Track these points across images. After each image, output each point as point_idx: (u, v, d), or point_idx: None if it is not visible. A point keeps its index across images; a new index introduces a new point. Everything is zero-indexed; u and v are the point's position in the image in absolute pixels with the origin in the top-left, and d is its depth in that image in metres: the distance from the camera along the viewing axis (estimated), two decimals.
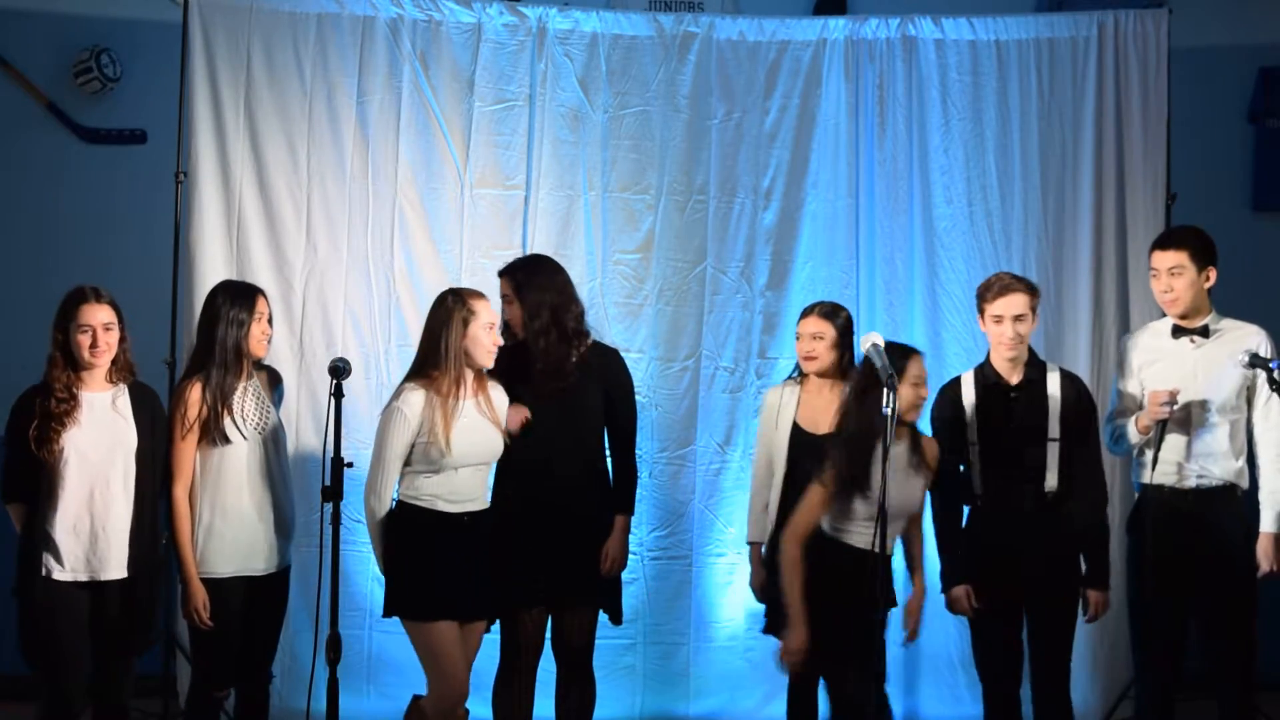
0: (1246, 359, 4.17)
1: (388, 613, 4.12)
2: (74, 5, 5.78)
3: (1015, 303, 4.25)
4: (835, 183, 5.42)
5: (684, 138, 5.39)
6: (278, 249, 5.19)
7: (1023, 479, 4.24)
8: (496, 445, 4.13)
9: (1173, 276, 4.30)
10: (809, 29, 5.47)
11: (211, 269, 5.10)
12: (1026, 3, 6.01)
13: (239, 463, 4.17)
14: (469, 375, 4.09)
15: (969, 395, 4.34)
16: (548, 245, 5.22)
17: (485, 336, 4.07)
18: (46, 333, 5.65)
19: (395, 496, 4.08)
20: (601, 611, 4.36)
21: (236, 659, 4.21)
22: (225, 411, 4.15)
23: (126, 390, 4.16)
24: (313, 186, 5.22)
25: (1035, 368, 4.35)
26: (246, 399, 4.23)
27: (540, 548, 4.19)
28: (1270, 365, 4.14)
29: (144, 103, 5.77)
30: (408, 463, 4.04)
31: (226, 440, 4.16)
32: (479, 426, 4.07)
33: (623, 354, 4.97)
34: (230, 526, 4.16)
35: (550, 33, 5.35)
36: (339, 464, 3.84)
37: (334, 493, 3.81)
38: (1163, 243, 4.41)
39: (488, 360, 4.09)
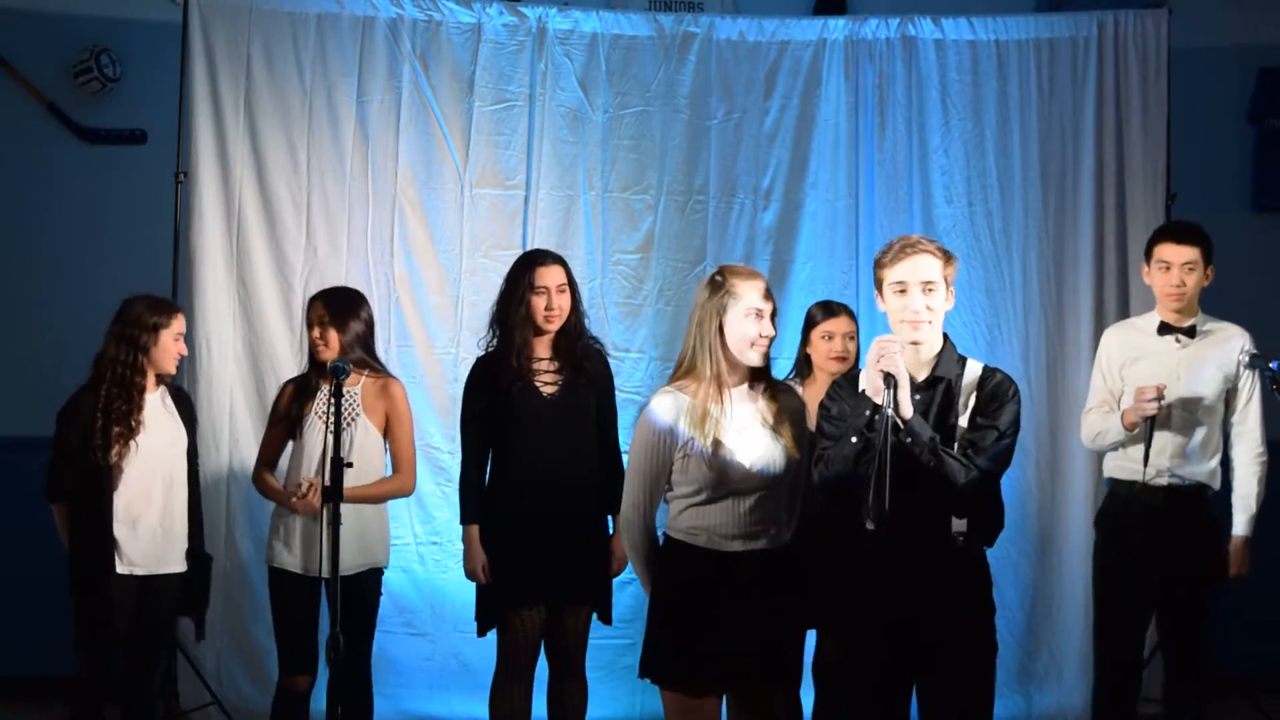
0: (1248, 359, 4.16)
1: (642, 673, 3.46)
2: (74, 5, 5.77)
3: (922, 266, 3.35)
4: (835, 183, 5.42)
5: (684, 138, 5.39)
6: (278, 249, 5.19)
7: (925, 514, 3.31)
8: (778, 462, 3.40)
9: (1187, 272, 4.23)
10: (809, 29, 5.47)
11: (211, 269, 5.11)
12: (1026, 3, 6.01)
13: (307, 460, 4.28)
14: (738, 374, 3.43)
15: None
16: (547, 245, 5.18)
17: (750, 326, 3.37)
18: (46, 331, 5.71)
19: (662, 529, 3.50)
20: (596, 613, 4.35)
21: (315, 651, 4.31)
22: (305, 409, 4.32)
23: (167, 391, 4.35)
24: (313, 186, 5.22)
25: (950, 361, 3.42)
26: (326, 401, 4.30)
27: (538, 548, 4.18)
28: (1271, 366, 4.12)
29: (144, 103, 5.77)
30: (670, 484, 3.43)
31: (299, 434, 4.32)
32: (757, 439, 3.39)
33: (623, 354, 4.98)
34: (293, 522, 4.28)
35: (550, 33, 5.35)
36: (339, 464, 3.84)
37: (334, 493, 3.81)
38: (1179, 236, 4.29)
39: (752, 357, 3.40)
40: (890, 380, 3.20)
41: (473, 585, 4.32)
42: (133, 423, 4.17)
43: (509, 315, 4.26)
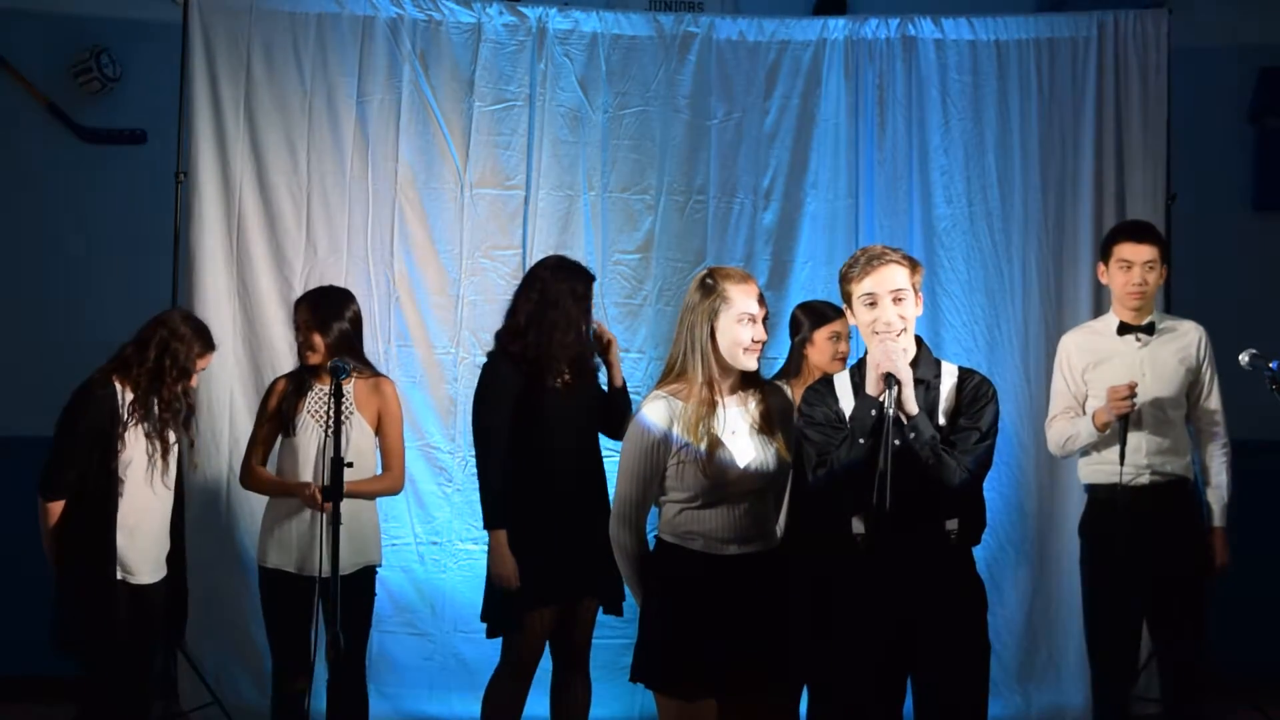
0: (1247, 359, 4.16)
1: (635, 677, 3.42)
2: (74, 5, 5.78)
3: (891, 276, 3.35)
4: (835, 183, 5.42)
5: (684, 138, 5.39)
6: (278, 249, 5.19)
7: (914, 517, 3.27)
8: (771, 464, 3.39)
9: (1148, 270, 4.26)
10: (809, 29, 5.47)
11: (211, 269, 5.11)
12: (1026, 3, 6.01)
13: (293, 456, 4.27)
14: (730, 378, 3.39)
15: (846, 404, 3.44)
16: (547, 245, 5.22)
17: (743, 331, 3.34)
18: (46, 329, 5.71)
19: (654, 532, 3.45)
20: (605, 609, 4.35)
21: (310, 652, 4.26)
22: (294, 407, 4.31)
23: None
24: (313, 186, 5.22)
25: (927, 364, 3.42)
26: (326, 401, 4.30)
27: (556, 547, 4.19)
28: (1271, 366, 4.11)
29: (144, 103, 5.77)
30: (663, 489, 3.38)
31: (292, 432, 4.30)
32: (751, 442, 3.36)
33: (622, 354, 5.00)
34: (281, 522, 4.27)
35: (550, 33, 5.35)
36: (339, 464, 3.84)
37: (334, 492, 3.81)
38: (1138, 235, 4.31)
39: (745, 361, 3.37)
40: (893, 381, 3.22)
41: (478, 585, 4.32)
42: (170, 437, 4.19)
43: (551, 321, 4.24)
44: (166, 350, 4.18)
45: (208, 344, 4.31)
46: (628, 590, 4.19)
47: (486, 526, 4.22)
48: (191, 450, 4.37)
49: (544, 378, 4.23)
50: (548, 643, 4.31)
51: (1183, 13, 5.48)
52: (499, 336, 4.38)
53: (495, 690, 4.26)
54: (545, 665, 4.35)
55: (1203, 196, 5.68)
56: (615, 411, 4.37)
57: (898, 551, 3.27)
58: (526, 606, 4.17)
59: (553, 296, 4.26)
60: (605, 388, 4.44)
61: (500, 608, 4.22)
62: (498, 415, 4.23)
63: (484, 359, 4.41)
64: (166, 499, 4.26)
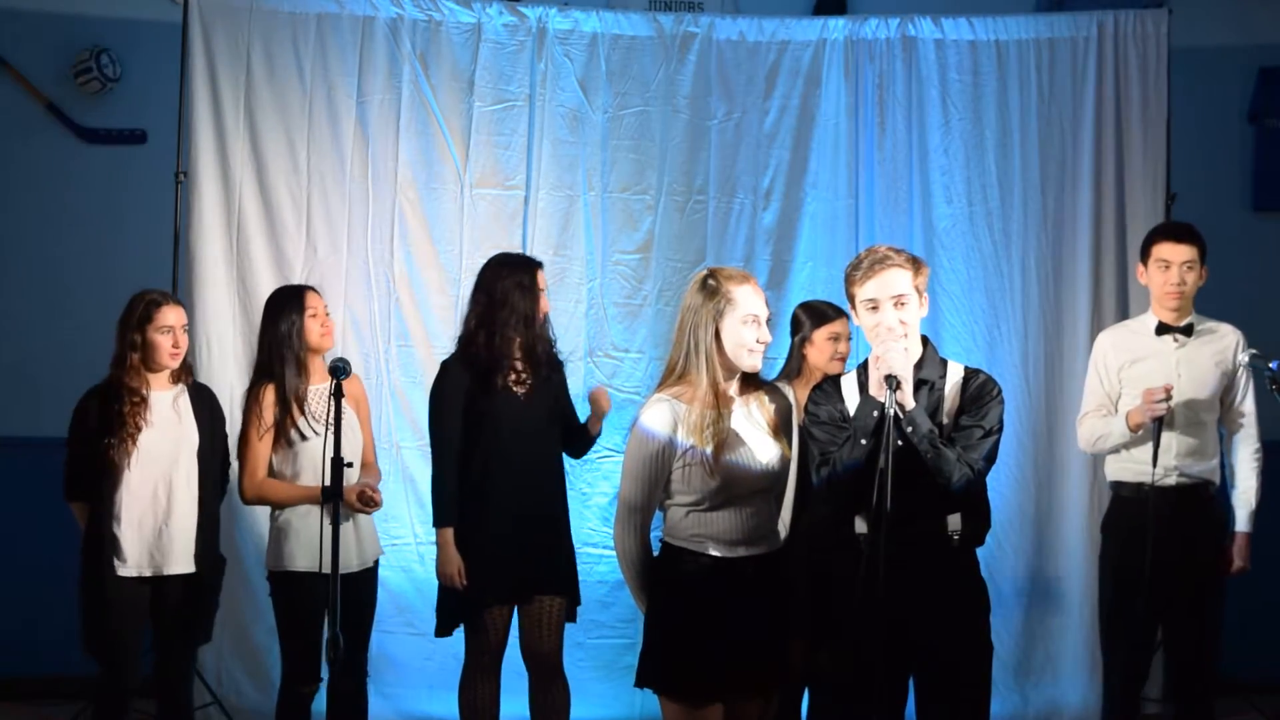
0: (1247, 359, 4.17)
1: (641, 682, 3.36)
2: (74, 5, 5.78)
3: (892, 281, 3.33)
4: (835, 183, 5.42)
5: (684, 138, 5.39)
6: (278, 249, 5.19)
7: (916, 516, 3.26)
8: (776, 464, 3.36)
9: (1187, 271, 4.27)
10: (809, 29, 5.47)
11: (211, 269, 5.11)
12: (1026, 3, 6.01)
13: (312, 461, 4.22)
14: (733, 380, 3.37)
15: (852, 405, 3.43)
16: (547, 245, 5.22)
17: (748, 333, 3.30)
18: (46, 330, 5.72)
19: (659, 537, 3.41)
20: (575, 613, 4.35)
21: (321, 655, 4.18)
22: (298, 410, 4.25)
23: (185, 390, 4.28)
24: (313, 186, 5.22)
25: (933, 365, 3.42)
26: (318, 398, 4.29)
27: (510, 547, 4.20)
28: (1271, 366, 4.12)
29: (144, 103, 5.77)
30: (668, 493, 3.33)
31: (302, 438, 4.24)
32: (756, 443, 3.33)
33: (622, 354, 4.99)
34: (307, 524, 4.22)
35: (550, 33, 5.35)
36: (339, 464, 3.84)
37: (334, 493, 3.81)
38: (1177, 235, 4.32)
39: (750, 363, 3.34)
40: (893, 380, 3.21)
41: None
42: (130, 425, 4.12)
43: (500, 320, 4.25)
44: (118, 337, 4.19)
45: (151, 305, 4.18)
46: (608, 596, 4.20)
47: (434, 524, 4.25)
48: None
49: (494, 377, 4.23)
50: (520, 652, 4.30)
51: (1183, 13, 5.48)
52: (457, 342, 4.40)
53: (467, 692, 4.27)
54: (521, 670, 4.34)
55: (1203, 196, 5.67)
56: (576, 439, 4.45)
57: (900, 551, 3.20)
58: (478, 606, 4.18)
59: (499, 295, 4.27)
60: (567, 388, 4.44)
61: (450, 608, 4.24)
62: (448, 421, 4.25)
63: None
64: (170, 490, 4.16)
